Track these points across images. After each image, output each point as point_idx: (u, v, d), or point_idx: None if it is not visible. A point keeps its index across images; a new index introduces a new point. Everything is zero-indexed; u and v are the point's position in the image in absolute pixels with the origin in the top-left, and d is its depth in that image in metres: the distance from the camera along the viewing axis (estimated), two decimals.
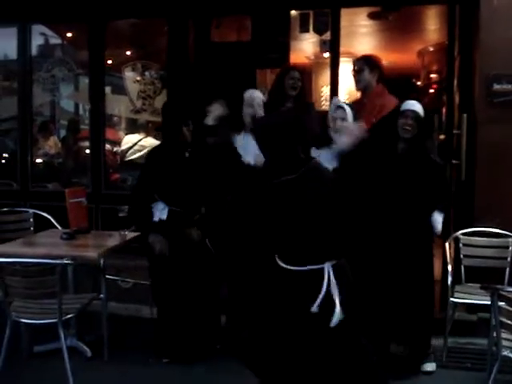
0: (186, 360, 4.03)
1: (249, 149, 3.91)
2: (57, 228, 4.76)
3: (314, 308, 2.67)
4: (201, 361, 4.02)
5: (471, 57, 4.88)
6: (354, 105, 4.50)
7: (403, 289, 3.84)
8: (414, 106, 3.87)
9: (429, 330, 3.99)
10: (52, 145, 6.82)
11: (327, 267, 2.71)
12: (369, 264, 3.83)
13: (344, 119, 3.88)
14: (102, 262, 4.11)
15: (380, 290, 3.87)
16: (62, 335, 3.59)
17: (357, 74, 4.55)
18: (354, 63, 4.63)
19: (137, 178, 4.38)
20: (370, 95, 4.49)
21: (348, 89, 8.08)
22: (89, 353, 4.14)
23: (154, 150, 4.35)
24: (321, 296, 2.68)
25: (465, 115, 4.74)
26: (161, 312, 4.12)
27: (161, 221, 4.05)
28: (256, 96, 4.27)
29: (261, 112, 4.17)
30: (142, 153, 6.26)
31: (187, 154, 4.17)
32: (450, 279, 4.17)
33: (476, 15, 4.67)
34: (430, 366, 3.97)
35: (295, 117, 2.93)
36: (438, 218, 3.83)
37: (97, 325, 4.16)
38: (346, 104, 4.05)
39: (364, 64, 4.51)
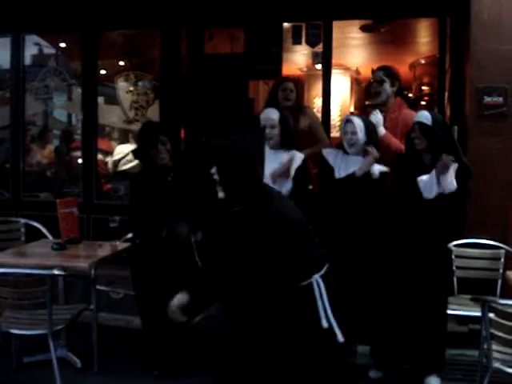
0: (175, 372, 4.00)
1: None
2: (48, 238, 4.74)
3: (324, 323, 2.60)
4: (189, 373, 3.99)
5: (462, 69, 4.92)
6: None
7: (416, 300, 3.79)
8: (420, 117, 3.75)
9: (442, 344, 3.93)
10: (47, 154, 6.81)
11: (315, 280, 2.66)
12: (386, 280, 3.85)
13: (354, 133, 3.87)
14: (92, 272, 4.10)
15: (395, 300, 3.84)
16: (52, 346, 3.57)
17: (376, 85, 4.35)
18: (373, 73, 4.45)
19: (129, 204, 4.32)
20: (389, 110, 4.32)
21: (340, 100, 8.18)
22: (79, 364, 4.11)
23: (134, 179, 4.29)
24: (321, 309, 2.62)
25: (456, 127, 4.77)
26: (146, 324, 4.10)
27: None
28: (269, 117, 3.95)
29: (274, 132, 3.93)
30: (133, 163, 6.26)
31: (169, 178, 4.10)
32: None
33: (467, 28, 4.71)
34: (434, 381, 3.89)
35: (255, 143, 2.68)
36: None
37: (87, 336, 4.14)
38: (357, 117, 3.99)
39: (384, 75, 4.33)
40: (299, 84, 4.98)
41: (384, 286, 3.88)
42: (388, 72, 4.36)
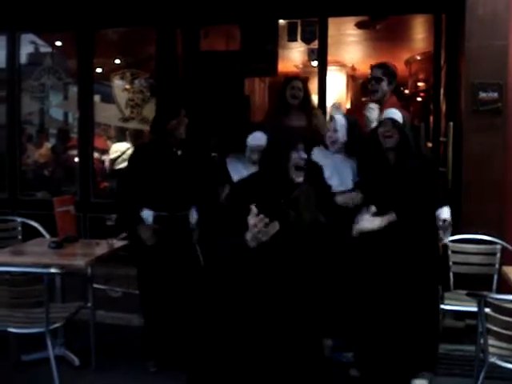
0: (175, 369, 4.00)
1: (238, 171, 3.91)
2: (45, 237, 4.74)
3: None
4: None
5: (457, 66, 4.93)
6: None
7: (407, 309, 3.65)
8: (392, 113, 3.70)
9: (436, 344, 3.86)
10: (44, 153, 6.81)
11: None
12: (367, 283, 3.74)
13: (335, 131, 3.89)
14: (89, 270, 4.10)
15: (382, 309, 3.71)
16: (50, 344, 3.57)
17: (374, 82, 4.35)
18: (372, 70, 4.43)
19: (118, 181, 4.25)
20: (384, 108, 4.21)
21: (336, 97, 8.18)
22: (76, 362, 4.11)
23: (137, 150, 4.17)
24: None
25: (451, 123, 4.78)
26: (148, 320, 4.10)
27: None
28: (259, 144, 3.79)
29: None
30: None
31: (179, 152, 3.98)
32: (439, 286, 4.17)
33: (462, 24, 4.72)
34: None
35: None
36: (443, 210, 3.63)
37: (85, 334, 4.14)
38: (342, 115, 3.99)
39: (383, 74, 4.32)
40: (308, 83, 4.95)
41: (368, 291, 3.75)
42: (386, 70, 4.35)
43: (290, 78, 4.73)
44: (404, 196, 3.62)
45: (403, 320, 3.64)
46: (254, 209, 2.70)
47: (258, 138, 3.88)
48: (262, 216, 2.67)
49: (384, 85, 4.30)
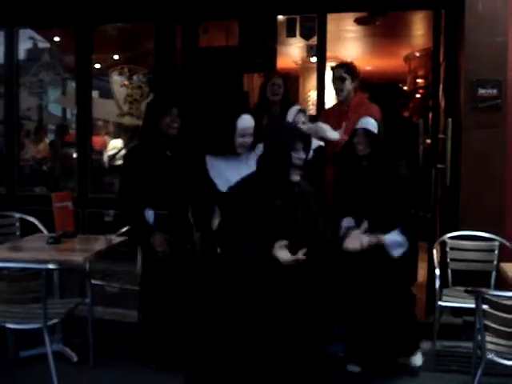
0: (173, 365, 4.00)
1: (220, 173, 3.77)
2: (43, 232, 4.74)
3: None
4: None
5: (456, 62, 4.92)
6: (331, 112, 4.57)
7: (378, 295, 3.86)
8: (367, 124, 3.81)
9: (413, 331, 4.01)
10: (42, 149, 6.80)
11: None
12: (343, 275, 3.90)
13: (304, 123, 4.01)
14: (87, 266, 4.10)
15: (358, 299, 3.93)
16: (48, 340, 3.57)
17: (338, 82, 4.50)
18: (334, 70, 4.58)
19: (120, 182, 4.28)
20: (351, 104, 4.48)
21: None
22: (74, 358, 4.11)
23: (130, 151, 4.19)
24: None
25: (450, 120, 4.77)
26: (147, 317, 4.10)
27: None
28: (249, 126, 3.79)
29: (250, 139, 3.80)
30: None
31: (169, 153, 4.00)
32: (437, 283, 4.18)
33: (461, 21, 4.70)
34: (418, 360, 4.01)
35: None
36: (394, 239, 3.73)
37: (83, 330, 4.14)
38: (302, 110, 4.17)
39: (345, 73, 4.48)
40: (289, 79, 5.01)
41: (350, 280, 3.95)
42: (348, 69, 4.52)
43: (270, 76, 4.82)
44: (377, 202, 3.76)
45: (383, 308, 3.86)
46: (282, 244, 2.83)
47: (246, 120, 3.78)
48: (298, 256, 2.80)
49: (348, 83, 4.46)
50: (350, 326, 4.04)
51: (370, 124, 3.81)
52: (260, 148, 3.38)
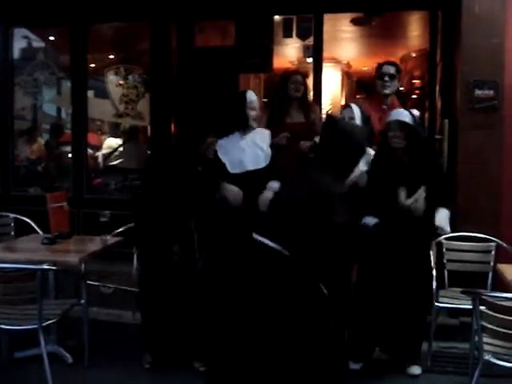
0: (170, 365, 3.99)
1: (229, 151, 4.09)
2: (38, 233, 4.71)
3: None
4: (185, 366, 3.98)
5: (453, 63, 4.93)
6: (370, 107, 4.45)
7: (399, 292, 3.80)
8: (400, 114, 3.75)
9: (421, 336, 3.98)
10: (37, 149, 6.77)
11: None
12: (367, 268, 3.85)
13: (352, 118, 3.92)
14: (82, 267, 4.08)
15: (377, 292, 3.84)
16: (43, 341, 3.55)
17: (390, 79, 4.41)
18: (383, 67, 4.48)
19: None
20: (392, 104, 4.40)
21: (331, 94, 8.16)
22: (69, 359, 4.08)
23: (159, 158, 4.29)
24: None
25: (446, 121, 4.78)
26: (146, 317, 4.07)
27: None
28: (255, 100, 4.24)
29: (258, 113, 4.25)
30: (123, 159, 6.26)
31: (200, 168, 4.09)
32: (434, 284, 4.17)
33: (458, 22, 4.71)
34: (416, 369, 3.96)
35: None
36: (443, 216, 3.69)
37: (78, 331, 4.12)
38: (355, 104, 4.08)
39: (396, 71, 4.44)
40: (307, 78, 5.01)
41: (366, 279, 3.89)
42: (397, 69, 4.49)
43: (291, 73, 4.77)
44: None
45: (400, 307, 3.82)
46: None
47: (252, 94, 4.26)
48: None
49: (396, 82, 4.43)
50: (354, 322, 3.96)
51: (404, 115, 3.72)
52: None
